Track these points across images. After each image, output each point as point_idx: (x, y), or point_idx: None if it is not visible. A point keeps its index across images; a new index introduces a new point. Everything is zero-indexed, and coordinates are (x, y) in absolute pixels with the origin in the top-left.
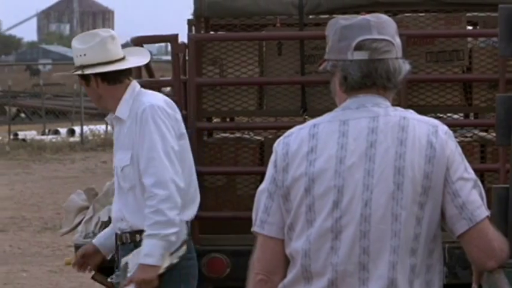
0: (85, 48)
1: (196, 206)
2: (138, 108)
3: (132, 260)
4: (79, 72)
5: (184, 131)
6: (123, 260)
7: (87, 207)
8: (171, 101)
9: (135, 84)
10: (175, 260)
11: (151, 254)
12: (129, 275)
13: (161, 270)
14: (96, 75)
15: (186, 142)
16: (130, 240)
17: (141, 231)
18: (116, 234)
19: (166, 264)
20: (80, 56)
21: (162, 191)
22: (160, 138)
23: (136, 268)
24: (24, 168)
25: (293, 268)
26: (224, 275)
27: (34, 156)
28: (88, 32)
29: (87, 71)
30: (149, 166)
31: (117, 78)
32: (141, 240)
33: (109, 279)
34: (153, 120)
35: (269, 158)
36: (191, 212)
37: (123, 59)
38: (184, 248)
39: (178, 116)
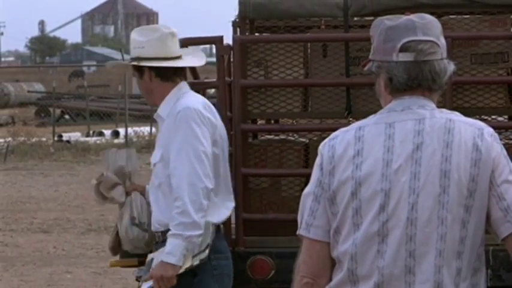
0: (144, 41)
1: (229, 210)
2: (176, 109)
3: (157, 257)
4: (135, 63)
5: (217, 138)
6: (150, 256)
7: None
8: (211, 106)
9: (182, 85)
10: (196, 262)
11: (173, 253)
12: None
13: (181, 270)
14: (151, 69)
15: (217, 149)
16: (163, 239)
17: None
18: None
19: (187, 265)
20: (138, 47)
21: (190, 193)
22: (192, 140)
23: (157, 264)
24: (69, 169)
25: (339, 271)
26: (269, 277)
27: (78, 158)
28: (149, 26)
29: (143, 63)
30: (178, 167)
31: (170, 76)
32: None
33: (134, 273)
34: (187, 122)
35: (314, 159)
36: (221, 215)
37: (179, 57)
38: (207, 251)
39: (217, 121)
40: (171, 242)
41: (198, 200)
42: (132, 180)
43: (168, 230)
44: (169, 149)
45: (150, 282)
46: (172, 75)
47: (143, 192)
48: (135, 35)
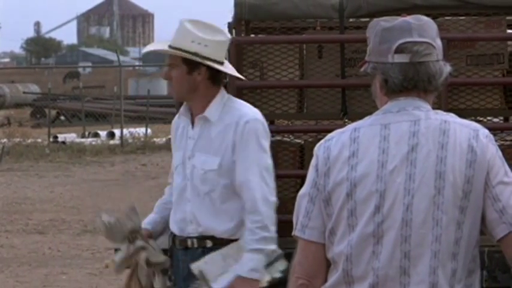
0: (209, 40)
1: None
2: (239, 117)
3: (210, 269)
4: (198, 59)
5: None
6: (195, 268)
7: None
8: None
9: (223, 90)
10: (277, 275)
11: (257, 269)
12: (214, 285)
13: (262, 285)
14: (208, 69)
15: None
16: (198, 245)
17: (212, 237)
18: (175, 236)
19: (267, 278)
20: (199, 44)
21: (266, 207)
22: (262, 154)
23: (238, 280)
24: (64, 170)
25: (334, 272)
26: None
27: (74, 159)
28: (208, 23)
29: (208, 63)
30: (252, 180)
31: (220, 80)
32: (212, 247)
33: None
34: (256, 134)
35: (309, 161)
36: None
37: (224, 63)
38: (283, 262)
39: None
40: (253, 257)
41: (272, 214)
42: (141, 233)
43: (208, 236)
44: (230, 159)
45: None
46: (221, 80)
47: (151, 235)
48: (196, 30)
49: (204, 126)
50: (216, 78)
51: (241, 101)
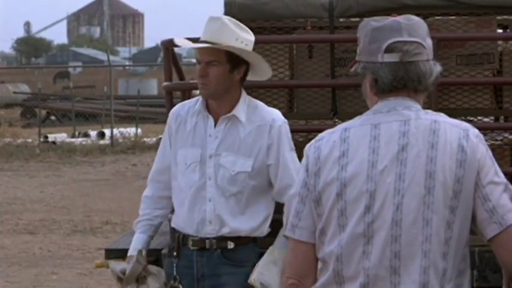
0: (248, 40)
1: None
2: (272, 120)
3: (269, 279)
4: (253, 58)
5: None
6: (255, 281)
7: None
8: None
9: (244, 91)
10: None
11: None
12: None
13: None
14: (248, 69)
15: None
16: (217, 246)
17: (236, 238)
18: (186, 235)
19: None
20: (242, 42)
21: None
22: (294, 154)
23: None
24: (55, 170)
25: (325, 272)
26: None
27: (64, 159)
28: (240, 23)
29: (256, 63)
30: (291, 179)
31: (244, 81)
32: (234, 248)
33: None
34: (288, 138)
35: (299, 160)
36: None
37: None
38: None
39: None
40: None
41: None
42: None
43: (230, 237)
44: (263, 161)
45: None
46: (244, 81)
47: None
48: (237, 29)
49: (231, 126)
50: (245, 78)
51: (261, 102)
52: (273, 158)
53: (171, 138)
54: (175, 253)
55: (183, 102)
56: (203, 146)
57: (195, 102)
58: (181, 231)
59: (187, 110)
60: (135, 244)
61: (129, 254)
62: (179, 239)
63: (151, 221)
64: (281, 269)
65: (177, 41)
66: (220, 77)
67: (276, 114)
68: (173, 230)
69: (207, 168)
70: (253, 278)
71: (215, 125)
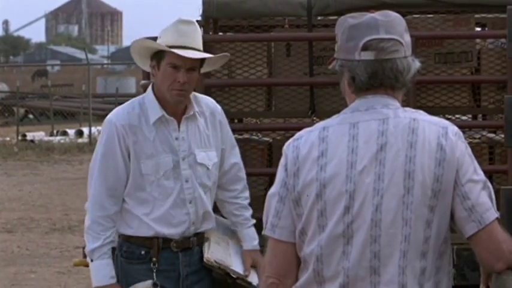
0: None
1: None
2: (213, 106)
3: (220, 256)
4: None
5: None
6: (209, 260)
7: None
8: None
9: None
10: None
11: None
12: (236, 268)
13: None
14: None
15: None
16: (197, 243)
17: (205, 232)
18: (168, 240)
19: None
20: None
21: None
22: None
23: (258, 253)
24: (33, 169)
25: (305, 272)
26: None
27: (42, 157)
28: None
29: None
30: (241, 162)
31: None
32: (205, 241)
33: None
34: (226, 118)
35: (277, 159)
36: None
37: None
38: None
39: None
40: (254, 230)
41: None
42: None
43: (203, 232)
44: (220, 147)
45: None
46: None
47: None
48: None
49: (190, 124)
50: None
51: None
52: (225, 141)
53: (127, 150)
54: (154, 259)
55: (118, 111)
56: (173, 151)
57: (133, 108)
58: (159, 236)
59: (137, 119)
60: (110, 271)
61: (106, 283)
62: (158, 244)
63: (113, 242)
64: (224, 247)
65: (148, 43)
66: (195, 82)
67: (209, 98)
68: (141, 238)
69: (181, 171)
70: (206, 257)
71: (178, 127)
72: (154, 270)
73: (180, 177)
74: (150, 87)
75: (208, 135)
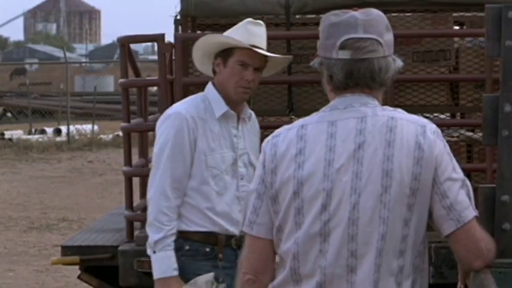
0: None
1: None
2: (254, 117)
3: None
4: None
5: None
6: None
7: None
8: None
9: None
10: None
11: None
12: None
13: None
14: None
15: None
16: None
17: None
18: (229, 236)
19: None
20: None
21: None
22: None
23: None
24: (11, 167)
25: (282, 270)
26: None
27: (20, 156)
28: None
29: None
30: None
31: None
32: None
33: None
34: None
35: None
36: None
37: None
38: None
39: None
40: None
41: None
42: None
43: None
44: (257, 155)
45: None
46: None
47: None
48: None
49: (244, 125)
50: None
51: None
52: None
53: (194, 142)
54: (221, 255)
55: (183, 104)
56: (232, 147)
57: (197, 102)
58: (222, 232)
59: (203, 112)
60: (173, 263)
61: (169, 274)
62: (223, 240)
63: (175, 235)
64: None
65: (224, 39)
66: (257, 80)
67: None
68: (205, 235)
69: (238, 168)
70: None
71: (237, 125)
72: (220, 267)
73: (236, 175)
74: (210, 85)
75: (253, 139)
